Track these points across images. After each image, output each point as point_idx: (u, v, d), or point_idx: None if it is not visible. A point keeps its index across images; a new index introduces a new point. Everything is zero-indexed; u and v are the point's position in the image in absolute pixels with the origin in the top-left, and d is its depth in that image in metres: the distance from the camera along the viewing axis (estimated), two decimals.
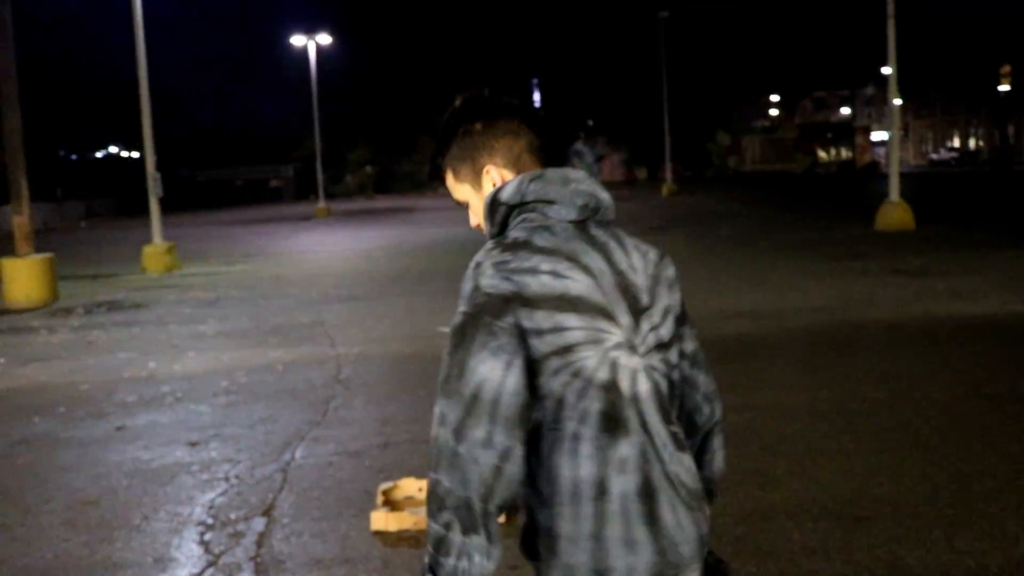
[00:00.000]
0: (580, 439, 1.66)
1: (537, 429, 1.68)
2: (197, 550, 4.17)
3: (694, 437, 1.91)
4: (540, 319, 1.62)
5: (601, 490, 1.66)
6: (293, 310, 11.69)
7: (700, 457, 1.91)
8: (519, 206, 1.76)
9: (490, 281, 1.62)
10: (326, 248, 22.35)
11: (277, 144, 72.29)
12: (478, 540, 1.60)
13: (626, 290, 1.73)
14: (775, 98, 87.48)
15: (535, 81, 76.12)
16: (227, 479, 5.06)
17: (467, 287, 1.65)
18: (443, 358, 1.62)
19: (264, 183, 75.25)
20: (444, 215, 27.74)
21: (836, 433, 5.29)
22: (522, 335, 1.62)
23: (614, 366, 1.68)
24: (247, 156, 72.93)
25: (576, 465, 1.67)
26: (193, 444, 5.81)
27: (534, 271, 1.64)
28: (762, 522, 4.08)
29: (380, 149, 60.83)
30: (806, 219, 20.70)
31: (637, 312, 1.74)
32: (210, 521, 4.49)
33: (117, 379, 7.95)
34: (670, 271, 1.86)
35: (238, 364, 8.31)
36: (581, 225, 1.75)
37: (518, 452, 1.62)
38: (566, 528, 1.67)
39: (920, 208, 19.47)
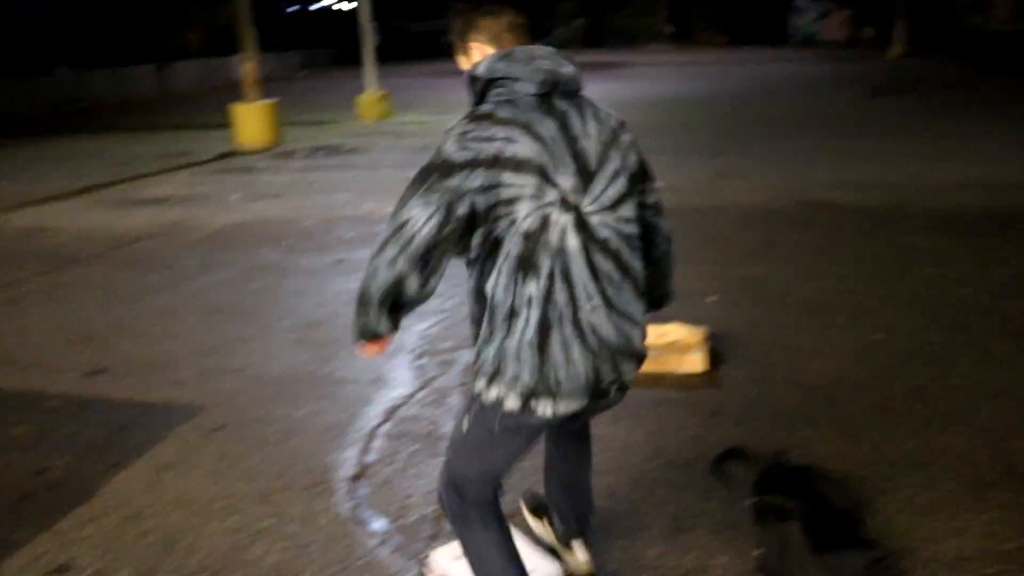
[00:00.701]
0: (501, 273, 2.03)
1: (479, 261, 2.07)
2: (410, 374, 4.45)
3: (653, 267, 2.30)
4: (488, 177, 1.94)
5: (511, 312, 2.04)
6: None
7: (656, 280, 2.34)
8: (491, 81, 2.04)
9: (450, 148, 1.96)
10: None
11: None
12: (364, 319, 2.14)
13: (577, 155, 2.00)
14: None
15: None
16: (438, 313, 5.33)
17: (438, 147, 2.00)
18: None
19: None
20: (653, 71, 26.93)
21: None
22: (460, 196, 1.96)
23: (544, 220, 1.98)
24: None
25: (496, 291, 2.04)
26: None
27: (490, 139, 1.94)
28: None
29: (590, 1, 59.22)
30: None
31: (587, 174, 2.01)
32: (422, 349, 4.77)
33: (337, 217, 8.43)
34: (627, 137, 2.15)
35: None
36: (544, 97, 2.02)
37: (413, 278, 2.04)
38: (484, 332, 2.08)
39: None
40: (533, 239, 1.98)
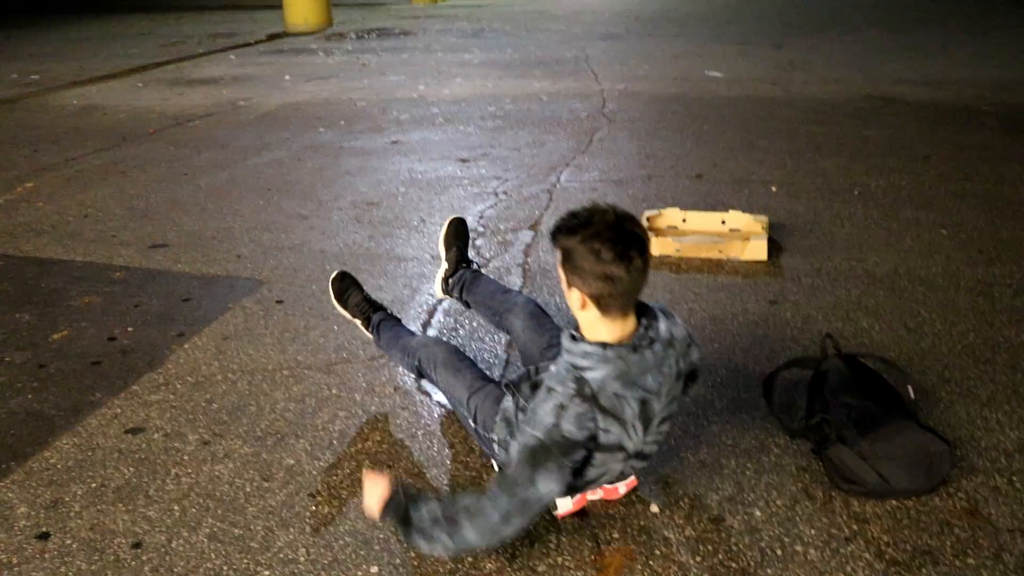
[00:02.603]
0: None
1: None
2: (469, 253, 4.43)
3: None
4: (586, 456, 2.13)
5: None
6: (556, 45, 11.61)
7: None
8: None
9: (570, 427, 2.05)
10: None
11: None
12: (434, 540, 2.17)
13: (647, 420, 2.18)
14: None
15: None
16: (496, 194, 5.30)
17: (548, 417, 2.06)
18: (514, 465, 2.08)
19: None
20: None
21: None
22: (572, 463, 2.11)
23: (605, 463, 2.20)
24: None
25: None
26: (463, 161, 6.10)
27: (606, 432, 2.10)
28: None
29: None
30: None
31: (649, 426, 2.20)
32: (480, 229, 4.76)
33: (390, 99, 8.36)
34: (678, 367, 2.23)
35: (503, 92, 8.46)
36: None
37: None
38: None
39: None
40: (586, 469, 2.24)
